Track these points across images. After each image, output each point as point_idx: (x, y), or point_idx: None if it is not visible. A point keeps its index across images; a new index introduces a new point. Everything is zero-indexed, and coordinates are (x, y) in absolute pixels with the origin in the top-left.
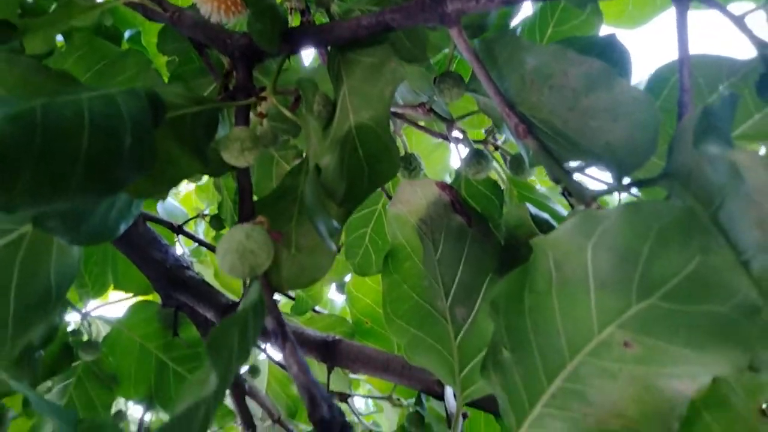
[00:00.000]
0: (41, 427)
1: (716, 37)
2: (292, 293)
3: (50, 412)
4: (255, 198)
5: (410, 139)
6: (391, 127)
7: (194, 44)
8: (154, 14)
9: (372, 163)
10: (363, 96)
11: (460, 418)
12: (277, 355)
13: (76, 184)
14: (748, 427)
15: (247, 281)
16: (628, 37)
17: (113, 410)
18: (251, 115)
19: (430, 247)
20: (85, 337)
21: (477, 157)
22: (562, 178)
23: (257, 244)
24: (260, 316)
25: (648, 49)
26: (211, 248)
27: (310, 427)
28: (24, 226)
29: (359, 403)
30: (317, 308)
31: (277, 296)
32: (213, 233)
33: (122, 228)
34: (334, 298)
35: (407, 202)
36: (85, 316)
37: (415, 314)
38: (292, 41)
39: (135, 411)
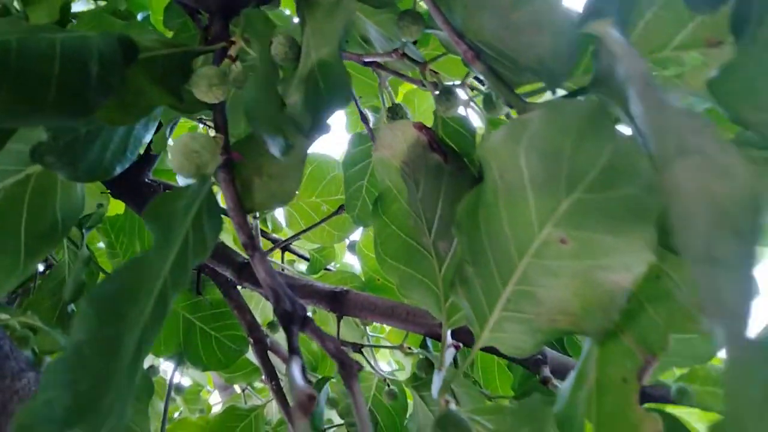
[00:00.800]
0: None
1: None
2: (306, 254)
3: None
4: None
5: (412, 102)
6: (377, 80)
7: (187, 11)
8: None
9: (331, 94)
10: (322, 34)
11: (451, 349)
12: None
13: (50, 104)
14: (689, 318)
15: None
16: None
17: (145, 366)
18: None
19: (412, 187)
20: None
21: (445, 95)
22: (510, 98)
23: (200, 145)
24: (215, 214)
25: None
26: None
27: (333, 380)
28: (30, 167)
29: (384, 365)
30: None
31: (292, 257)
32: None
33: (117, 169)
34: (352, 262)
35: (390, 147)
36: None
37: (403, 252)
38: None
39: (166, 366)
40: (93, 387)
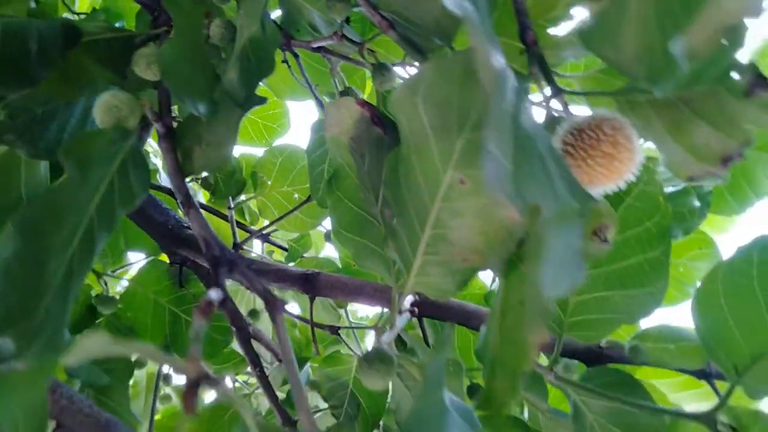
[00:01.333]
0: None
1: None
2: (285, 245)
3: None
4: None
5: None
6: (328, 66)
7: (148, 11)
8: None
9: (259, 64)
10: (251, 15)
11: (406, 314)
12: None
13: None
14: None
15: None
16: None
17: (133, 359)
18: None
19: (360, 160)
20: None
21: (380, 70)
22: (419, 60)
23: (120, 101)
24: (140, 166)
25: None
26: (208, 209)
27: (314, 364)
28: None
29: None
30: None
31: (272, 248)
32: (208, 196)
33: None
34: (335, 255)
35: (338, 124)
36: (100, 276)
37: (356, 224)
38: None
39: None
40: (22, 300)
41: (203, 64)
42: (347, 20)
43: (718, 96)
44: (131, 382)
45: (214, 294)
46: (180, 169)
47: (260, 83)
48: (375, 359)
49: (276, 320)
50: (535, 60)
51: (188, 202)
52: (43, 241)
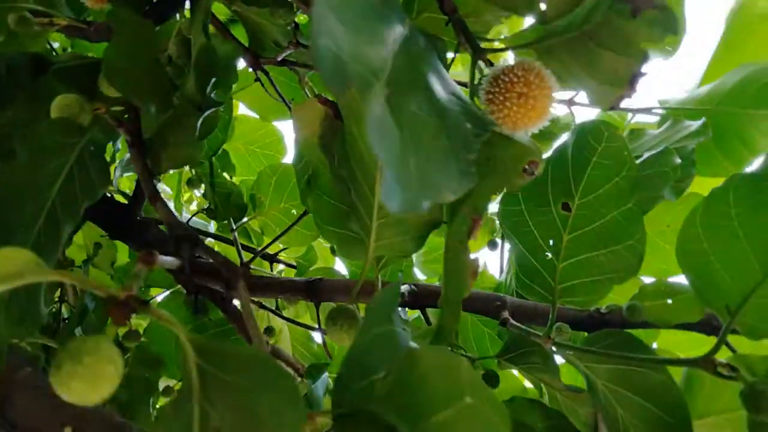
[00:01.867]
0: None
1: None
2: (293, 263)
3: None
4: None
5: None
6: (297, 78)
7: None
8: (83, 32)
9: (209, 68)
10: (197, 28)
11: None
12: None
13: None
14: (512, 185)
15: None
16: None
17: (162, 386)
18: None
19: (331, 155)
20: None
21: None
22: None
23: (70, 100)
24: (99, 160)
25: None
26: (216, 237)
27: (333, 374)
28: None
29: None
30: None
31: (281, 267)
32: (217, 225)
33: None
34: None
35: (307, 126)
36: None
37: (335, 216)
38: (153, 13)
39: None
40: None
41: (154, 71)
42: (296, 26)
43: (612, 23)
44: None
45: (170, 259)
46: (149, 170)
47: (248, 110)
48: (338, 316)
49: (237, 287)
50: (457, 26)
51: (155, 196)
52: (3, 216)
